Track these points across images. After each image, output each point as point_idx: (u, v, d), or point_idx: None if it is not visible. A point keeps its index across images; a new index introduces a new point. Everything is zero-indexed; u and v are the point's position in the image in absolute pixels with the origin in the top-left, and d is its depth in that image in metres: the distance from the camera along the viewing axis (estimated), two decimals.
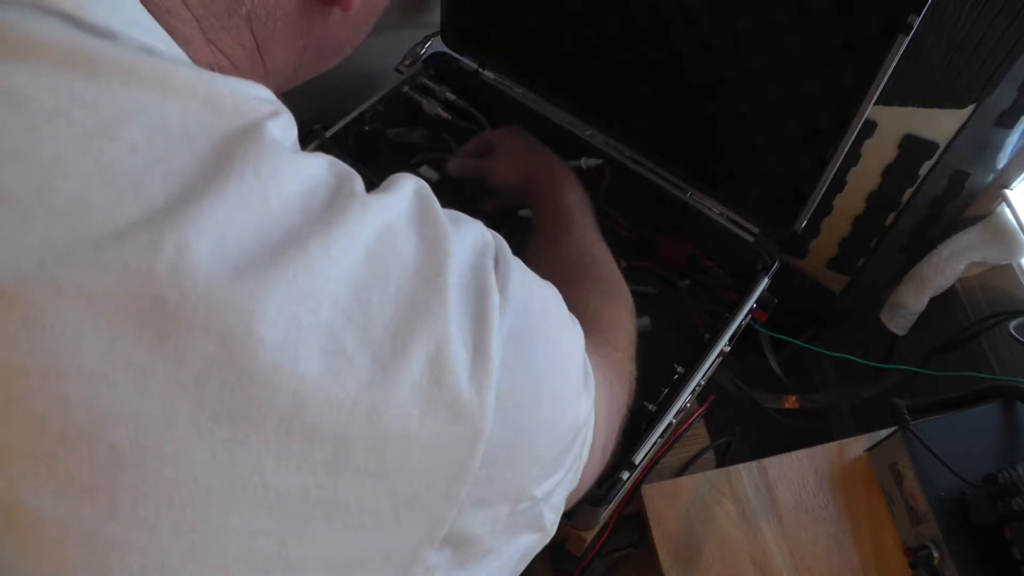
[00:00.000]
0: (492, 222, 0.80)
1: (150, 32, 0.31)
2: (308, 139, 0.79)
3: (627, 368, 0.55)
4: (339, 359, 0.27)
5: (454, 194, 0.84)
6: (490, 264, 0.33)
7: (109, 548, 0.25)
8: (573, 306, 0.54)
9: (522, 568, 0.41)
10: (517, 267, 0.35)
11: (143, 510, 0.25)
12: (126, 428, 0.24)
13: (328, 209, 0.29)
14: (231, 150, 0.28)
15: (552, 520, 0.40)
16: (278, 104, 0.31)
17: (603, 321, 0.56)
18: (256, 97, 0.30)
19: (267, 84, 0.36)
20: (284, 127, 0.30)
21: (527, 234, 0.83)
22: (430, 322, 0.29)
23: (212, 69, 0.34)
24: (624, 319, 0.59)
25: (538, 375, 0.34)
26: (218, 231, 0.26)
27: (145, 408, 0.24)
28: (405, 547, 0.30)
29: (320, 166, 0.30)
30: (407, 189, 0.32)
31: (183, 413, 0.25)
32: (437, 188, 0.84)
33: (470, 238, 0.33)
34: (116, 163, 0.26)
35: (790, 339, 0.87)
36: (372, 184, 0.32)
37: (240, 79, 0.31)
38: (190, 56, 0.33)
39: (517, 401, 0.32)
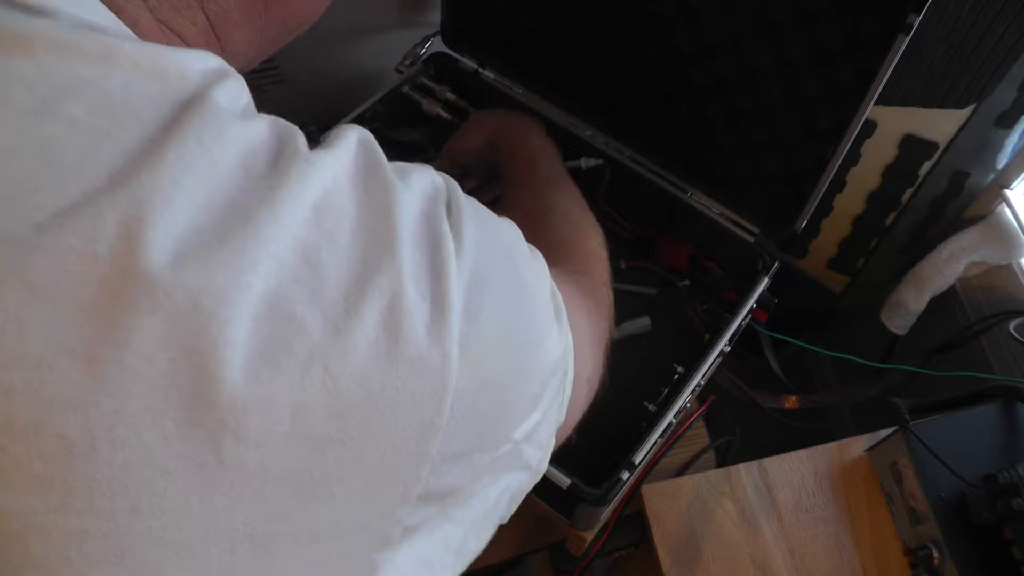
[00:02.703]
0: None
1: (93, 10, 0.30)
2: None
3: (603, 293, 0.54)
4: (289, 326, 0.26)
5: None
6: (442, 210, 0.32)
7: (68, 539, 0.24)
8: (539, 238, 0.53)
9: (513, 508, 0.40)
10: (471, 209, 0.34)
11: (99, 498, 0.24)
12: (75, 416, 0.24)
13: (272, 171, 0.28)
14: (176, 120, 0.27)
15: (538, 457, 0.39)
16: (226, 70, 0.30)
17: (572, 249, 0.56)
18: (202, 66, 0.29)
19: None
20: (233, 92, 0.30)
21: None
22: (382, 278, 0.28)
23: None
24: (594, 247, 0.58)
25: (504, 317, 0.33)
26: (161, 204, 0.25)
27: (93, 395, 0.24)
28: (378, 511, 0.30)
29: (261, 127, 0.29)
30: (351, 141, 0.31)
31: (133, 397, 0.24)
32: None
33: (420, 186, 0.32)
34: (57, 141, 0.25)
35: (790, 339, 0.87)
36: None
37: (189, 50, 0.30)
38: (138, 36, 0.32)
39: (484, 348, 0.31)
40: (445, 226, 0.31)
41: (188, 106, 0.27)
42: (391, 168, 0.32)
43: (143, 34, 0.32)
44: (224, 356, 0.25)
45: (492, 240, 0.35)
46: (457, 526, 0.34)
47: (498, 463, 0.35)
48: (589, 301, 0.49)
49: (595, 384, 0.48)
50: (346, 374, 0.27)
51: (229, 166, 0.27)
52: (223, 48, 0.37)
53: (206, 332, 0.25)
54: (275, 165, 0.28)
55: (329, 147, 0.30)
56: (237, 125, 0.28)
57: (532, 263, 0.39)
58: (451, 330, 0.29)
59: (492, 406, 0.33)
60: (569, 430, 0.46)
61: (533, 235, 0.58)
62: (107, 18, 0.30)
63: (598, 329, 0.49)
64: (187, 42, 0.35)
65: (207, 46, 0.36)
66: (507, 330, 0.33)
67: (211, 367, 0.25)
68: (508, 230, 0.38)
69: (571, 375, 0.41)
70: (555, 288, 0.40)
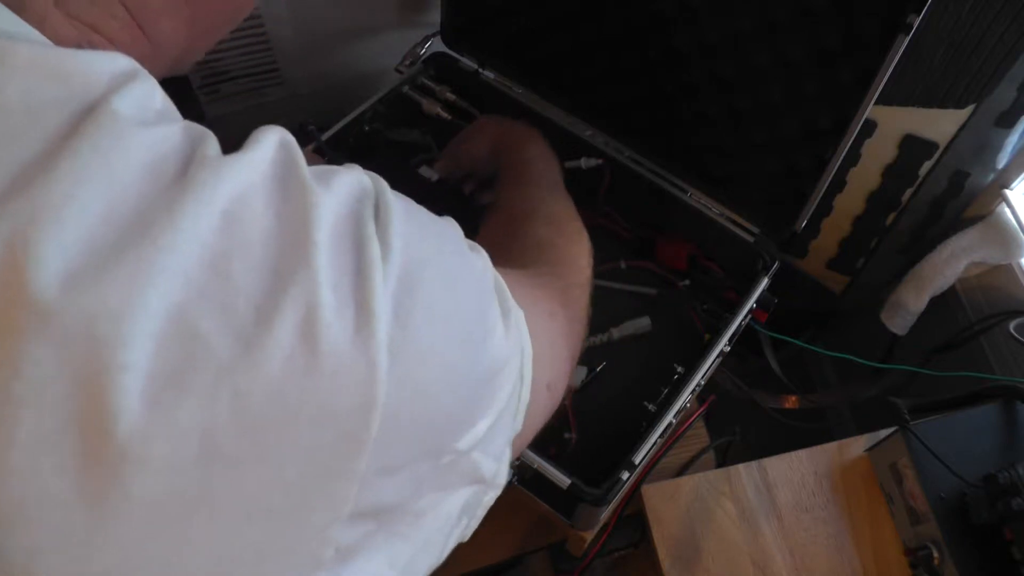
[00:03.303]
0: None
1: None
2: (304, 141, 0.79)
3: (574, 296, 0.51)
4: (193, 345, 0.24)
5: (454, 193, 0.84)
6: (368, 212, 0.30)
7: None
8: (518, 238, 0.51)
9: (473, 525, 0.39)
10: (401, 209, 0.32)
11: None
12: None
13: (180, 178, 0.26)
14: (75, 128, 0.25)
15: (494, 469, 0.37)
16: (135, 72, 0.29)
17: (548, 251, 0.54)
18: (109, 68, 0.28)
19: (160, 59, 0.34)
20: (141, 96, 0.28)
21: None
22: (297, 287, 0.26)
23: (81, 47, 0.31)
24: (574, 252, 0.56)
25: (440, 321, 0.31)
26: (52, 220, 0.23)
27: None
28: (306, 532, 0.28)
29: (171, 132, 0.28)
30: (269, 143, 0.29)
31: (24, 428, 0.23)
32: (437, 188, 0.84)
33: (343, 187, 0.30)
34: None
35: (790, 339, 0.87)
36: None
37: (97, 52, 0.28)
38: (48, 35, 0.30)
39: (416, 355, 0.30)
40: (370, 228, 0.30)
41: (87, 112, 0.26)
42: (313, 170, 0.30)
43: (53, 32, 0.30)
44: (120, 383, 0.23)
45: (424, 241, 0.33)
46: (407, 543, 0.32)
47: (444, 476, 0.33)
48: (555, 304, 0.47)
49: (558, 391, 0.46)
50: (258, 391, 0.25)
51: (132, 175, 0.25)
52: (151, 41, 0.35)
53: (100, 358, 0.23)
54: (184, 171, 0.27)
55: (244, 150, 0.29)
56: (142, 132, 0.26)
57: (471, 262, 0.37)
58: (378, 338, 0.27)
59: (429, 414, 0.31)
60: (528, 440, 0.44)
61: (512, 235, 0.55)
62: (6, 20, 0.28)
63: (561, 335, 0.47)
64: (109, 37, 0.33)
65: (133, 41, 0.34)
66: (443, 334, 0.32)
67: (107, 396, 0.23)
68: (443, 229, 0.37)
69: (527, 380, 0.39)
70: (503, 287, 0.38)
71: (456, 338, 0.33)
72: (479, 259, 0.38)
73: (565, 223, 0.60)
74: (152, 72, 0.31)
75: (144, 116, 0.28)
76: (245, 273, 0.26)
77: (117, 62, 0.28)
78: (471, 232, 0.78)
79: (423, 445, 0.31)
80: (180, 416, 0.24)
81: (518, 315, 0.38)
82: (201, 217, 0.26)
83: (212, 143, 0.28)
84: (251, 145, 0.29)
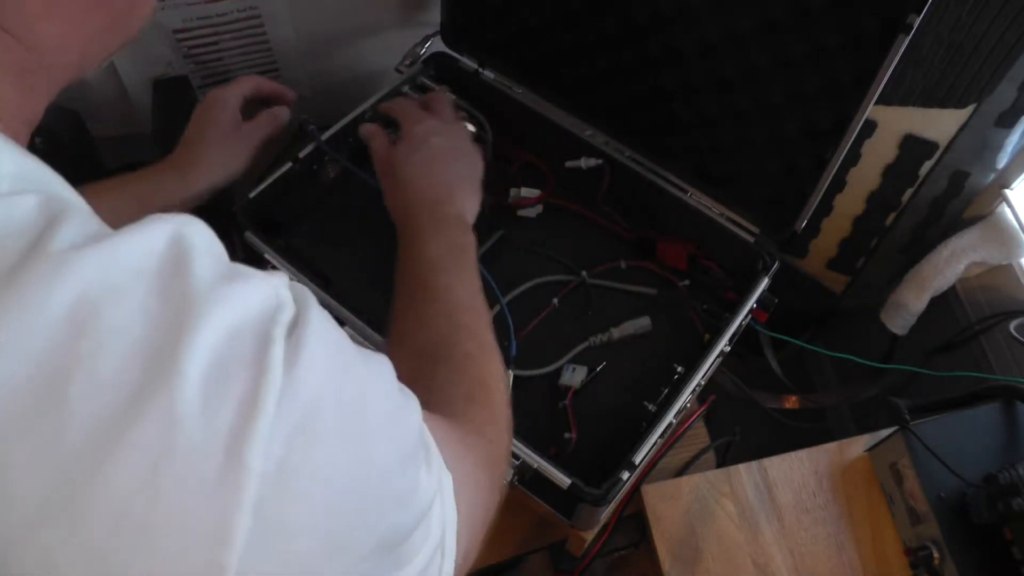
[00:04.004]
0: (489, 221, 0.79)
1: None
2: (303, 140, 0.79)
3: (497, 460, 0.47)
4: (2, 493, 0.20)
5: None
6: (278, 333, 0.25)
7: None
8: (441, 388, 0.47)
9: None
10: (322, 336, 0.27)
11: None
12: None
13: (12, 272, 0.22)
14: None
15: None
16: None
17: (476, 407, 0.48)
18: None
19: (50, 68, 0.30)
20: None
21: (528, 231, 0.83)
22: (147, 423, 0.22)
23: None
24: (498, 399, 0.51)
25: (335, 485, 0.26)
26: None
27: None
28: None
29: (19, 207, 0.23)
30: (156, 234, 0.24)
31: None
32: None
33: (247, 301, 0.25)
34: None
35: (790, 339, 0.87)
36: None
37: None
38: None
39: (295, 522, 0.24)
40: (275, 353, 0.25)
41: None
42: (218, 274, 0.25)
43: None
44: None
45: (343, 380, 0.28)
46: None
47: None
48: (480, 472, 0.42)
49: (470, 561, 0.40)
50: (72, 553, 0.21)
51: None
52: (30, 50, 0.30)
53: None
54: (21, 264, 0.22)
55: (119, 236, 0.24)
56: None
57: (399, 417, 0.32)
58: (244, 496, 0.23)
59: None
60: None
61: (423, 375, 0.49)
62: None
63: (479, 507, 0.42)
64: None
65: (5, 52, 0.29)
66: (338, 500, 0.26)
67: None
68: (372, 370, 0.31)
69: (450, 554, 0.35)
70: (431, 447, 0.34)
71: (353, 506, 0.27)
72: (409, 412, 0.33)
73: (494, 350, 0.54)
74: (43, 82, 0.28)
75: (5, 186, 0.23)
76: (86, 399, 0.21)
77: None
78: (474, 231, 0.77)
79: None
80: None
81: (446, 481, 0.34)
82: (32, 324, 0.21)
83: (73, 223, 0.23)
84: (128, 233, 0.24)
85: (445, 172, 0.67)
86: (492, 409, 0.50)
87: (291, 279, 0.30)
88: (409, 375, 0.51)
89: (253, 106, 0.77)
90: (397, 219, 0.65)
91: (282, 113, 0.78)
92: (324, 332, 0.27)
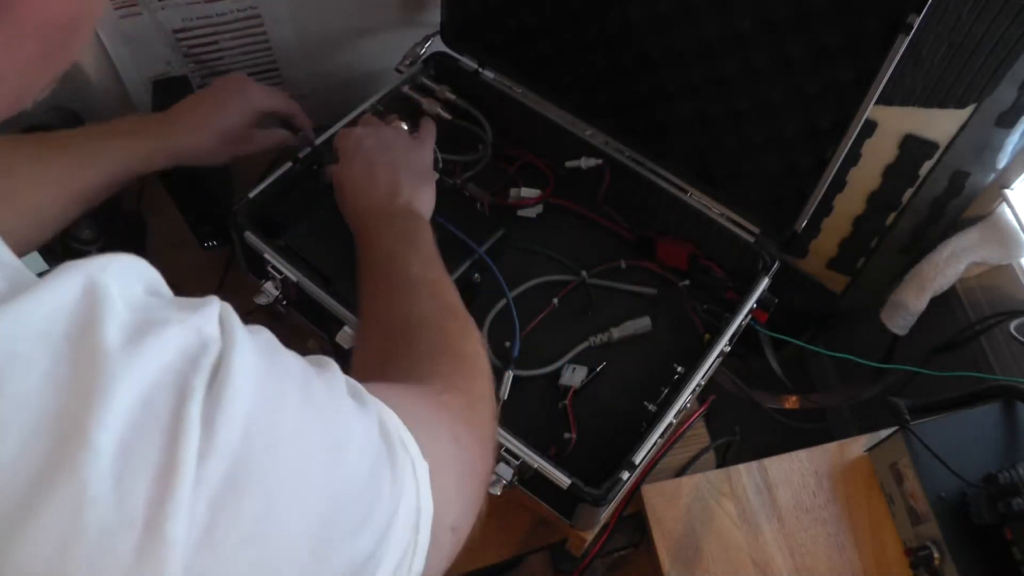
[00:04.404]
0: (490, 221, 0.80)
1: None
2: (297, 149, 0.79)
3: (480, 412, 0.47)
4: None
5: (453, 193, 0.84)
6: (198, 383, 0.24)
7: None
8: (400, 354, 0.47)
9: None
10: (249, 375, 0.26)
11: None
12: None
13: None
14: None
15: None
16: None
17: (441, 360, 0.48)
18: None
19: None
20: None
21: (528, 231, 0.83)
22: (54, 506, 0.20)
23: None
24: (469, 350, 0.52)
25: (275, 534, 0.25)
26: None
27: None
28: None
29: None
30: (63, 290, 0.23)
31: None
32: (436, 188, 0.83)
33: (162, 354, 0.24)
34: None
35: (790, 339, 0.87)
36: None
37: None
38: None
39: None
40: (192, 409, 0.23)
41: None
42: (129, 327, 0.23)
43: None
44: None
45: (275, 419, 0.26)
46: None
47: None
48: (460, 426, 0.43)
49: (463, 529, 0.40)
50: None
51: None
52: None
53: None
54: None
55: (22, 297, 0.22)
56: None
57: (347, 437, 0.30)
58: (165, 572, 0.22)
59: None
60: None
61: (392, 353, 0.50)
62: None
63: (466, 463, 0.42)
64: None
65: None
66: (277, 556, 0.25)
67: None
68: (311, 395, 0.29)
69: (425, 531, 0.34)
70: (398, 443, 0.33)
71: (298, 554, 0.26)
72: (362, 424, 0.32)
73: (448, 318, 0.54)
74: None
75: None
76: None
77: None
78: (474, 235, 0.77)
79: None
80: None
81: (420, 471, 0.34)
82: None
83: None
84: (35, 291, 0.22)
85: (385, 170, 0.69)
86: (462, 362, 0.50)
87: (221, 304, 0.28)
88: (379, 354, 0.51)
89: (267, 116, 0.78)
90: (352, 228, 0.67)
91: (291, 140, 0.80)
92: (252, 365, 0.26)
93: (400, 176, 0.68)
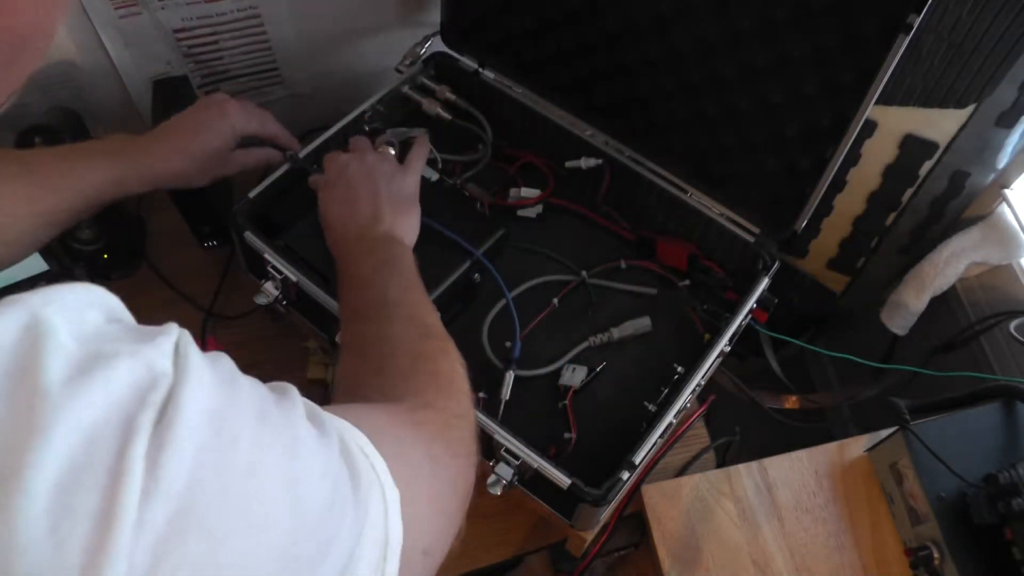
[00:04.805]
0: (490, 220, 0.80)
1: None
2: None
3: (457, 428, 0.46)
4: None
5: (453, 193, 0.84)
6: (145, 419, 0.23)
7: None
8: (376, 372, 0.47)
9: None
10: (200, 402, 0.25)
11: None
12: None
13: None
14: None
15: None
16: None
17: (416, 379, 0.48)
18: None
19: None
20: None
21: (528, 231, 0.83)
22: None
23: None
24: (446, 368, 0.52)
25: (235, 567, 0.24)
26: None
27: None
28: None
29: None
30: (3, 327, 0.22)
31: None
32: (436, 188, 0.83)
33: (117, 385, 0.23)
34: None
35: (790, 339, 0.87)
36: None
37: None
38: None
39: None
40: (136, 450, 0.22)
41: None
42: (72, 363, 0.22)
43: None
44: None
45: (224, 454, 0.25)
46: None
47: None
48: (437, 445, 0.42)
49: (438, 553, 0.39)
50: None
51: None
52: None
53: None
54: None
55: None
56: None
57: (306, 468, 0.29)
58: None
59: None
60: None
61: (369, 373, 0.50)
62: None
63: (448, 479, 0.41)
64: None
65: None
66: None
67: None
68: (267, 427, 0.28)
69: (394, 558, 0.33)
70: (364, 470, 0.32)
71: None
72: (320, 452, 0.31)
73: (424, 338, 0.55)
74: None
75: None
76: None
77: None
78: (474, 235, 0.78)
79: None
80: None
81: (390, 495, 0.33)
82: None
83: None
84: None
85: (367, 197, 0.68)
86: (438, 380, 0.50)
87: (179, 332, 0.27)
88: (356, 375, 0.51)
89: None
90: (333, 253, 0.67)
91: (276, 158, 0.79)
92: (204, 401, 0.25)
93: (382, 203, 0.68)
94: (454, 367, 0.53)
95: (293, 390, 0.33)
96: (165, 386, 0.24)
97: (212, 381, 0.26)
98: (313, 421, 0.32)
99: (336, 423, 0.34)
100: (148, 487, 0.22)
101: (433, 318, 0.58)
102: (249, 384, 0.30)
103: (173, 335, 0.27)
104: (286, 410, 0.31)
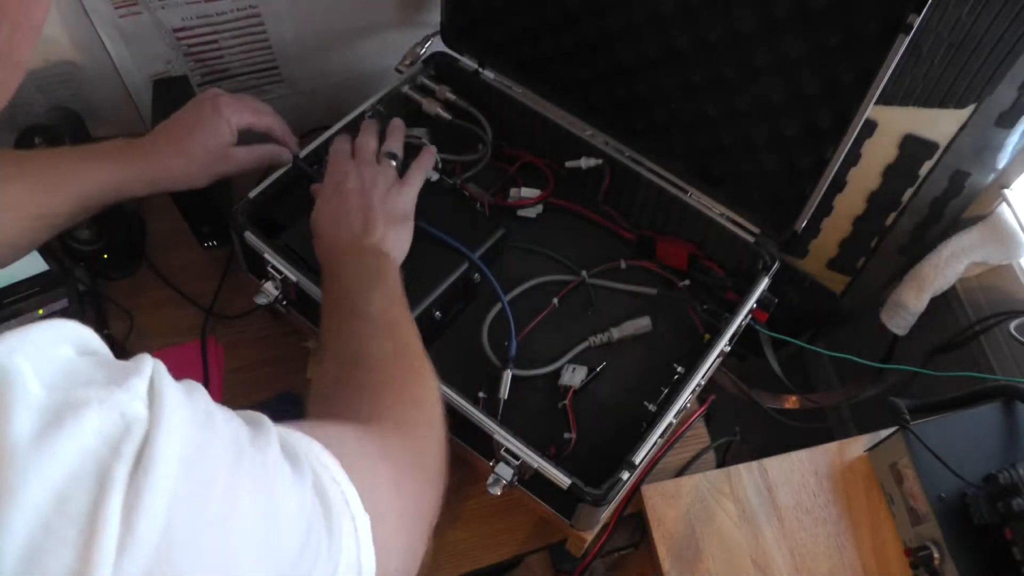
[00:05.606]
0: (490, 220, 0.80)
1: None
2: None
3: (424, 452, 0.48)
4: None
5: (453, 193, 0.84)
6: (120, 470, 0.23)
7: None
8: (347, 389, 0.47)
9: None
10: (175, 457, 0.24)
11: None
12: None
13: None
14: None
15: None
16: None
17: (386, 401, 0.49)
18: None
19: None
20: None
21: (528, 231, 0.83)
22: None
23: None
24: (417, 392, 0.52)
25: None
26: None
27: None
28: None
29: None
30: None
31: None
32: (436, 188, 0.83)
33: (88, 435, 0.22)
34: None
35: (790, 339, 0.87)
36: None
37: None
38: None
39: None
40: (112, 502, 0.22)
41: None
42: (39, 416, 0.22)
43: None
44: None
45: (200, 499, 0.25)
46: None
47: None
48: (403, 474, 0.43)
49: (409, 570, 0.41)
50: None
51: None
52: None
53: None
54: None
55: None
56: None
57: (281, 509, 0.30)
58: None
59: None
60: None
61: (344, 387, 0.51)
62: None
63: (412, 509, 0.42)
64: None
65: None
66: None
67: None
68: (242, 466, 0.28)
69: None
70: (336, 503, 0.33)
71: None
72: (295, 489, 0.31)
73: (399, 359, 0.55)
74: None
75: None
76: None
77: None
78: (474, 235, 0.78)
79: None
80: None
81: (361, 522, 0.34)
82: None
83: None
84: None
85: (360, 210, 0.68)
86: (411, 402, 0.51)
87: (153, 366, 0.27)
88: (331, 388, 0.51)
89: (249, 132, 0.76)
90: (320, 262, 0.67)
91: (283, 156, 0.78)
92: (179, 447, 0.25)
93: (375, 216, 0.67)
94: (428, 389, 0.53)
95: (267, 422, 0.33)
96: (139, 433, 0.24)
97: (187, 423, 0.26)
98: (287, 454, 0.32)
99: (310, 448, 0.34)
100: (124, 541, 0.22)
101: (411, 335, 0.58)
102: (224, 420, 0.30)
103: (146, 373, 0.26)
104: (261, 448, 0.31)
